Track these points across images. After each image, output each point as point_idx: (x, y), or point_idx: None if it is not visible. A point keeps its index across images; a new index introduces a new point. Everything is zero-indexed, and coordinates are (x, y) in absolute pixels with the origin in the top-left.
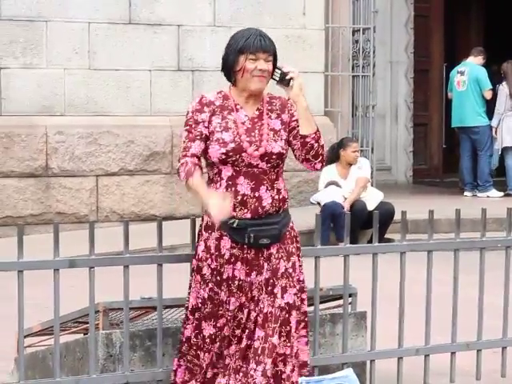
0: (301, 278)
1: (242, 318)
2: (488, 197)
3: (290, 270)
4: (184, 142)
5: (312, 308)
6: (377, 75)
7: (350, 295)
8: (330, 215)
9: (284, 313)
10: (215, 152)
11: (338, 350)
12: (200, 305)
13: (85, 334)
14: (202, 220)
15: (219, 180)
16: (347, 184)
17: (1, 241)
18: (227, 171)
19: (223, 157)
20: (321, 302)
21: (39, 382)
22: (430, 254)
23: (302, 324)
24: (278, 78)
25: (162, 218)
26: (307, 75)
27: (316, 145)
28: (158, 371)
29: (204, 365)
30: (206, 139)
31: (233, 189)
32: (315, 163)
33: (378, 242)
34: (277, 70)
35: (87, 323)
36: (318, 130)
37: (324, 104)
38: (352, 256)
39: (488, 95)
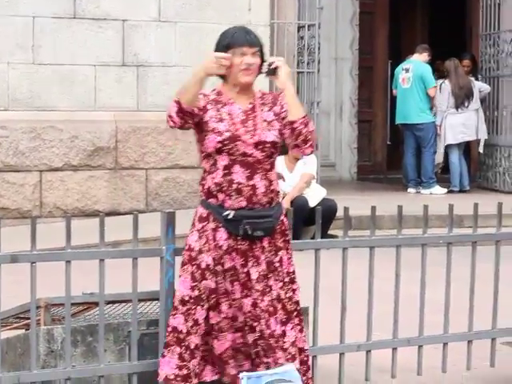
0: (290, 270)
1: (251, 309)
2: (431, 193)
3: (277, 265)
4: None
5: None
6: (322, 72)
7: None
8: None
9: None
10: (211, 141)
11: None
12: (199, 295)
13: (26, 330)
14: (196, 211)
15: (215, 170)
16: (292, 178)
17: None
18: (222, 160)
19: (219, 145)
20: None
21: None
22: (372, 250)
23: (295, 313)
24: (265, 70)
25: (106, 213)
26: None
27: (305, 130)
28: (99, 367)
29: (192, 347)
30: (194, 114)
31: (228, 177)
32: (305, 148)
33: (321, 238)
34: (264, 64)
35: (29, 319)
36: (306, 115)
37: None
38: (295, 252)
39: (432, 93)
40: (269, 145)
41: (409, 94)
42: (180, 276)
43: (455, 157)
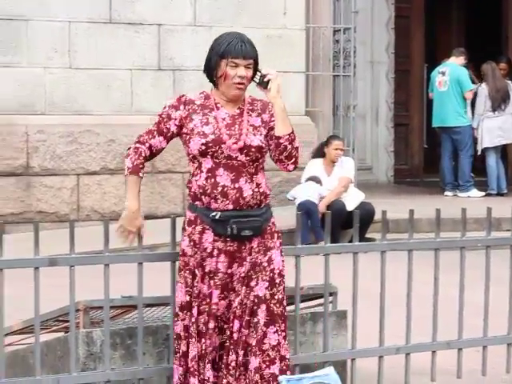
0: (283, 272)
1: (224, 311)
2: (469, 197)
3: (265, 264)
4: (150, 128)
5: (293, 307)
6: (357, 75)
7: (331, 294)
8: (305, 213)
9: (252, 305)
10: (195, 144)
11: (319, 348)
12: (190, 301)
13: (65, 333)
14: (186, 216)
15: (199, 173)
16: (329, 181)
17: None
18: (207, 163)
19: (203, 148)
20: (301, 301)
21: (20, 380)
22: (410, 253)
23: (282, 318)
24: (257, 81)
25: (143, 217)
26: (288, 75)
27: (289, 146)
28: (138, 369)
29: (190, 357)
30: (171, 137)
31: (212, 180)
32: (288, 164)
33: (359, 241)
34: (258, 73)
35: (68, 322)
36: (292, 132)
37: (305, 104)
38: (333, 255)
39: (469, 96)
40: (254, 149)
41: (445, 98)
42: (177, 282)
43: (492, 160)
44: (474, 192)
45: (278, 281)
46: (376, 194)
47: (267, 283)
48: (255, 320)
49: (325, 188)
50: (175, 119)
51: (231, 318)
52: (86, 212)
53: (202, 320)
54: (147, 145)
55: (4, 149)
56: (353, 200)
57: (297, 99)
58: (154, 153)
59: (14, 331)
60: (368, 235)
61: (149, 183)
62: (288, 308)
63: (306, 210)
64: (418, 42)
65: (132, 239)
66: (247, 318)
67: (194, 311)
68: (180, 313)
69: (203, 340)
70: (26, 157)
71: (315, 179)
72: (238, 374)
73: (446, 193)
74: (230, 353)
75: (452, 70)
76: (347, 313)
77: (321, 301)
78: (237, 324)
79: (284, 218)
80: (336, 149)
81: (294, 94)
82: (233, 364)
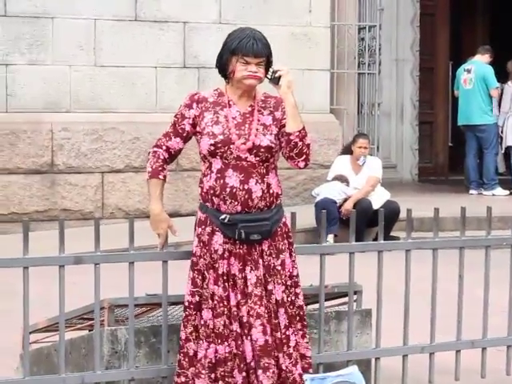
0: (294, 273)
1: (242, 316)
2: (493, 195)
3: (279, 268)
4: (168, 130)
5: (317, 305)
6: (382, 73)
7: (355, 293)
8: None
9: (274, 308)
10: (205, 144)
11: (343, 347)
12: (200, 301)
13: (90, 331)
14: (197, 216)
15: (210, 173)
16: (357, 180)
17: (6, 237)
18: (217, 164)
19: (212, 148)
20: (326, 300)
21: (44, 378)
22: (435, 251)
23: (297, 318)
24: (270, 77)
25: (168, 214)
26: (313, 73)
27: (300, 143)
28: (162, 368)
29: (191, 354)
30: (187, 137)
31: (221, 181)
32: (298, 161)
33: (383, 240)
34: (270, 69)
35: (92, 319)
36: (303, 129)
37: (330, 102)
38: (357, 254)
39: (494, 94)
40: (263, 149)
41: (471, 95)
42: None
43: None
44: (499, 190)
45: (289, 283)
46: (400, 193)
47: (283, 286)
48: (275, 322)
49: (351, 187)
50: (189, 118)
51: (254, 322)
52: (110, 210)
53: (222, 322)
54: (164, 147)
55: (29, 146)
56: (379, 199)
57: (321, 97)
58: (172, 154)
59: (38, 329)
60: (392, 233)
61: (173, 181)
62: (312, 306)
63: (323, 208)
64: (443, 40)
65: (162, 242)
66: (274, 321)
67: (205, 313)
68: (187, 311)
69: (226, 343)
70: (50, 154)
71: (342, 178)
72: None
73: (471, 191)
74: (253, 362)
75: (477, 68)
76: (371, 311)
77: (345, 299)
78: (258, 330)
79: (308, 215)
80: (360, 147)
81: (318, 92)
82: (257, 373)
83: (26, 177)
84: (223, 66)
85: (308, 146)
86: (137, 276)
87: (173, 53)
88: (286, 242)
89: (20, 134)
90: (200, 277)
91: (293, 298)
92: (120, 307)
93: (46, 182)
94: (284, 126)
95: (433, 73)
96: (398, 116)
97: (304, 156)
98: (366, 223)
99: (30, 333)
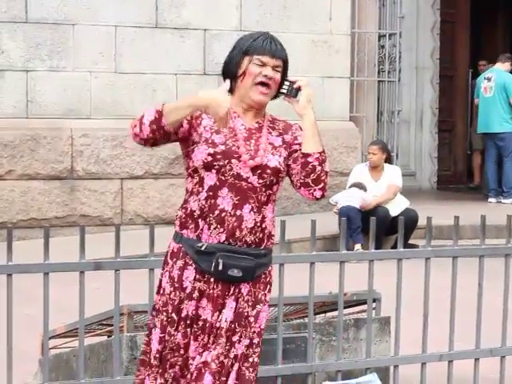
0: (262, 327)
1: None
2: None
3: (252, 319)
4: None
5: (336, 313)
6: (402, 81)
7: (374, 300)
8: (346, 219)
9: (229, 365)
10: (201, 153)
11: (362, 354)
12: (161, 351)
13: (109, 337)
14: (169, 246)
15: (200, 191)
16: (376, 187)
17: (26, 243)
18: (210, 180)
19: (209, 159)
20: (345, 307)
21: (63, 383)
22: (454, 259)
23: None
24: (285, 91)
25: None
26: (333, 80)
27: (319, 168)
28: None
29: None
30: (177, 129)
31: (212, 201)
32: (315, 189)
33: (402, 247)
34: (285, 82)
35: (112, 325)
36: (323, 152)
37: (349, 109)
38: (376, 261)
39: None
40: (269, 171)
41: (491, 103)
42: (153, 327)
43: None
44: None
45: (256, 341)
46: (419, 200)
47: (248, 341)
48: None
49: (370, 194)
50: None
51: (205, 376)
52: (129, 216)
53: (172, 374)
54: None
55: (49, 152)
56: (397, 206)
57: (341, 105)
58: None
59: (58, 334)
60: (411, 241)
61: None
62: (331, 314)
63: (346, 215)
64: (463, 48)
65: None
66: (223, 378)
67: (167, 366)
68: (153, 362)
69: None
70: (70, 160)
71: (359, 185)
72: None
73: (490, 199)
74: None
75: (498, 76)
76: (390, 319)
77: (364, 307)
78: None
79: (326, 223)
80: (369, 153)
81: (338, 100)
82: None
83: (45, 183)
84: (231, 71)
85: (327, 173)
86: (156, 282)
87: (193, 60)
88: (266, 293)
89: (40, 140)
90: (168, 320)
91: (255, 360)
92: (139, 313)
93: (65, 188)
94: (294, 151)
95: (452, 80)
96: (417, 124)
97: (322, 184)
98: (384, 231)
99: (49, 338)
